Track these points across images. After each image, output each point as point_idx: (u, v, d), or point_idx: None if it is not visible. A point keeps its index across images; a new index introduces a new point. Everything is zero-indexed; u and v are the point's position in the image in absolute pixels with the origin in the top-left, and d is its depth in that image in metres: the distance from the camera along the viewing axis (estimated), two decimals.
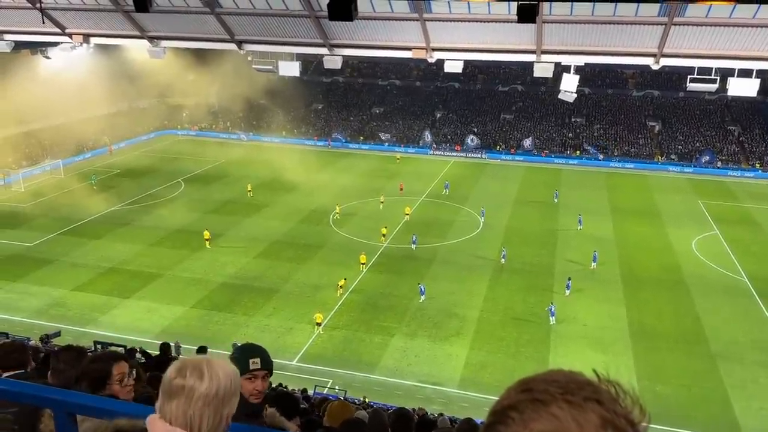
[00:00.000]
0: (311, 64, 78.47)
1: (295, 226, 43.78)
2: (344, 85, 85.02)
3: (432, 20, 22.12)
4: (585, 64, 23.60)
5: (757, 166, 63.83)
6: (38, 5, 23.93)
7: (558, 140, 71.24)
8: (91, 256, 37.95)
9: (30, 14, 25.74)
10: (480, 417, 15.29)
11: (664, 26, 19.87)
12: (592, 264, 37.02)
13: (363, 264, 36.42)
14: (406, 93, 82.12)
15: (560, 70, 25.41)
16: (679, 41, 20.39)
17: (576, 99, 30.83)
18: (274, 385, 17.66)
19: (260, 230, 42.80)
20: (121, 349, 15.97)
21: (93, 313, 30.99)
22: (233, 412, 1.82)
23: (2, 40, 28.16)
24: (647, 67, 21.85)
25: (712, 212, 49.37)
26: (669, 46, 20.56)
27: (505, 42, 22.41)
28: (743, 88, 22.34)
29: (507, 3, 19.82)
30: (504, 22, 21.01)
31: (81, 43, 28.47)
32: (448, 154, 69.67)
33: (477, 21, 21.65)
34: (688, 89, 25.27)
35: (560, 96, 28.08)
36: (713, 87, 24.05)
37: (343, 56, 25.11)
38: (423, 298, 32.52)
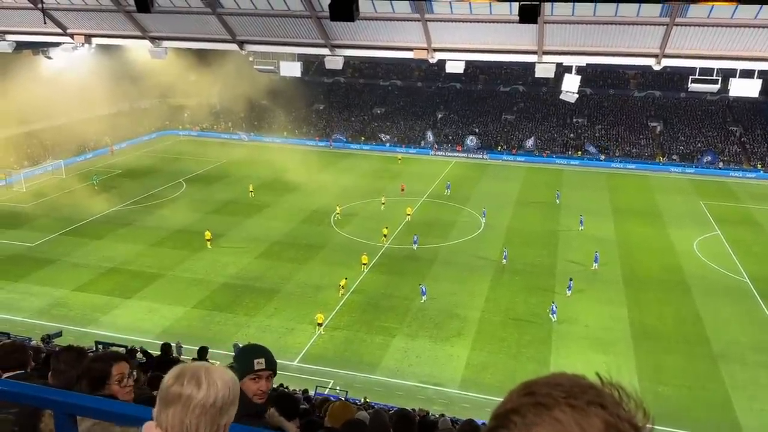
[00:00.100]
0: (312, 65, 78.54)
1: (296, 227, 43.80)
2: (345, 86, 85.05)
3: (433, 21, 22.10)
4: (586, 64, 23.53)
5: (759, 166, 63.75)
6: (40, 6, 23.95)
7: (559, 141, 71.21)
8: (92, 256, 37.99)
9: (32, 14, 25.79)
10: (481, 418, 15.27)
11: (665, 27, 19.83)
12: (594, 265, 37.00)
13: (365, 264, 36.42)
14: (407, 93, 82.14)
15: (562, 70, 25.37)
16: (680, 42, 20.36)
17: (577, 99, 30.80)
18: (275, 386, 17.65)
19: (261, 230, 42.81)
20: (122, 350, 15.98)
21: (94, 313, 31.02)
22: (231, 421, 1.79)
23: (4, 40, 28.19)
24: (649, 67, 21.81)
25: (713, 213, 49.31)
26: (671, 47, 20.53)
27: (507, 42, 22.38)
28: (745, 88, 22.28)
29: (508, 3, 19.80)
30: (505, 22, 20.99)
31: (82, 44, 28.50)
32: (449, 154, 69.67)
33: (478, 21, 21.63)
34: (689, 90, 25.21)
35: (562, 96, 28.06)
36: (715, 87, 24.03)
37: (344, 57, 25.09)
38: (424, 298, 32.50)
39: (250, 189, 51.16)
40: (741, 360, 27.68)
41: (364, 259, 36.63)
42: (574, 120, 74.11)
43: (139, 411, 1.98)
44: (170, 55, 29.06)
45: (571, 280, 33.80)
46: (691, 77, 24.14)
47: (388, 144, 72.67)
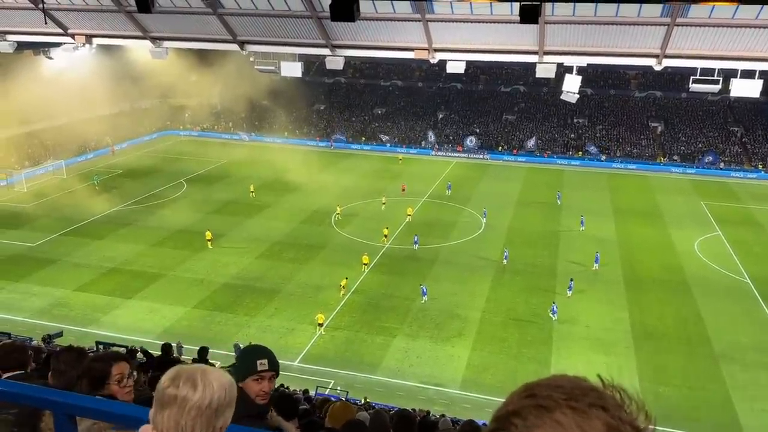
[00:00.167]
0: (313, 65, 78.57)
1: (297, 227, 43.80)
2: (346, 86, 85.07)
3: (434, 21, 22.09)
4: (587, 64, 23.51)
5: (760, 167, 63.71)
6: (41, 6, 23.96)
7: (560, 141, 71.19)
8: (93, 256, 38.01)
9: (32, 15, 25.80)
10: (482, 418, 15.27)
11: (666, 27, 19.82)
12: (595, 265, 36.97)
13: (365, 264, 36.42)
14: (408, 94, 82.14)
15: (562, 70, 25.33)
16: (681, 42, 20.33)
17: (578, 100, 30.83)
18: (276, 386, 17.65)
19: (262, 231, 42.82)
20: (122, 350, 15.98)
21: (95, 313, 31.04)
22: (228, 424, 1.78)
23: (5, 40, 28.20)
24: (650, 67, 21.78)
25: (714, 213, 49.28)
26: (671, 47, 20.51)
27: (508, 43, 22.37)
28: (746, 89, 22.24)
29: (509, 3, 19.79)
30: (506, 22, 20.97)
31: (83, 44, 28.48)
32: (450, 154, 69.67)
33: (479, 21, 21.62)
34: (690, 90, 25.19)
35: (562, 97, 28.04)
36: (716, 88, 23.99)
37: (345, 57, 25.09)
38: (425, 298, 32.49)
39: (251, 189, 51.17)
40: (742, 360, 27.65)
41: (365, 259, 36.63)
42: (575, 120, 74.07)
43: (138, 411, 1.97)
44: (171, 56, 29.06)
45: (571, 280, 33.78)
46: (692, 77, 24.10)
47: (388, 144, 72.67)
